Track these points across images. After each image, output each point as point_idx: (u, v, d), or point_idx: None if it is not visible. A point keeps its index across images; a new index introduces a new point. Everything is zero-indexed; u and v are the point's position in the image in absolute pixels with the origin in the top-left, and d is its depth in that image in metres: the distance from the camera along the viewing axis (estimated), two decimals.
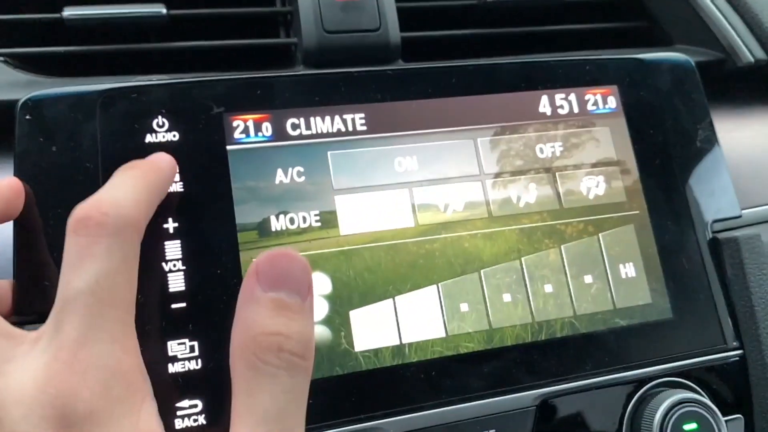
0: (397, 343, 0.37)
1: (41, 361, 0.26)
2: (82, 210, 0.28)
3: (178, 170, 0.36)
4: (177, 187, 0.36)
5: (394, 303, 0.37)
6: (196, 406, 0.33)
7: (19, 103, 0.36)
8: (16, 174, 0.35)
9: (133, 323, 0.28)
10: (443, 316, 0.38)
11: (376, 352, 0.36)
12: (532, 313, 0.39)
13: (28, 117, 0.36)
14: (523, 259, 0.40)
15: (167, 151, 0.36)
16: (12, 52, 0.43)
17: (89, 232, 0.27)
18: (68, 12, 0.42)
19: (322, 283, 0.37)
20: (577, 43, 0.52)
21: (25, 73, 0.41)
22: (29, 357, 0.27)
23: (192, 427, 0.33)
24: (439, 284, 0.38)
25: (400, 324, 0.37)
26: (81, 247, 0.27)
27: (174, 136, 0.37)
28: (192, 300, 0.35)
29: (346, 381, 0.36)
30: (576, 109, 0.43)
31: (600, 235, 0.41)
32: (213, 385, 0.33)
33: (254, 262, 0.28)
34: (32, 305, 0.33)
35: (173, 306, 0.34)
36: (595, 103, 0.43)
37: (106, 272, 0.27)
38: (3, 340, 0.27)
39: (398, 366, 0.36)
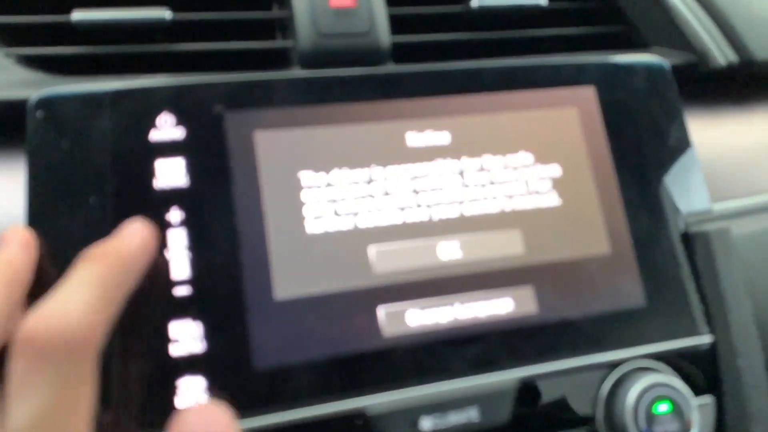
0: None
1: None
2: (28, 326, 0.25)
3: (149, 245, 0.33)
4: (182, 180, 0.38)
5: None
6: (199, 385, 0.35)
7: (31, 101, 0.38)
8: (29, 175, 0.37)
9: None
10: None
11: None
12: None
13: (39, 114, 0.38)
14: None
15: (171, 149, 0.38)
16: (22, 51, 0.45)
17: (33, 357, 0.25)
18: (77, 15, 0.45)
19: None
20: (559, 47, 0.55)
21: (34, 72, 0.43)
22: None
23: None
24: None
25: None
26: (24, 374, 0.24)
27: (178, 133, 0.39)
28: (197, 285, 0.37)
29: (330, 362, 0.38)
30: None
31: None
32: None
33: (180, 414, 0.26)
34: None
35: (176, 292, 0.37)
36: None
37: (49, 408, 0.24)
38: None
39: (383, 347, 0.39)
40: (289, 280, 0.38)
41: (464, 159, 0.43)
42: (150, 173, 0.38)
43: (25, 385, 0.24)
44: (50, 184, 0.37)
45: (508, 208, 0.43)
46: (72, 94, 0.39)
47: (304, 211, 0.40)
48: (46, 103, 0.38)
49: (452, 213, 0.42)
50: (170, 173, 0.38)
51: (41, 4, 0.46)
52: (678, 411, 0.41)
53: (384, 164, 0.42)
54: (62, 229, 0.36)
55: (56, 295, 0.27)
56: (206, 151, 0.39)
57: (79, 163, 0.38)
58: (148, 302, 0.36)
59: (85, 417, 0.25)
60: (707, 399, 0.44)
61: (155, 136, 0.39)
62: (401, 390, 0.38)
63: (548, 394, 0.41)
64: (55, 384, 0.25)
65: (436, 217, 0.41)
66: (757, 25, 0.55)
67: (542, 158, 0.44)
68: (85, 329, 0.26)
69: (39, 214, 0.36)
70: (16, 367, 0.25)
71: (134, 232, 0.32)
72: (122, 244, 0.31)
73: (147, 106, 0.39)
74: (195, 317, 0.37)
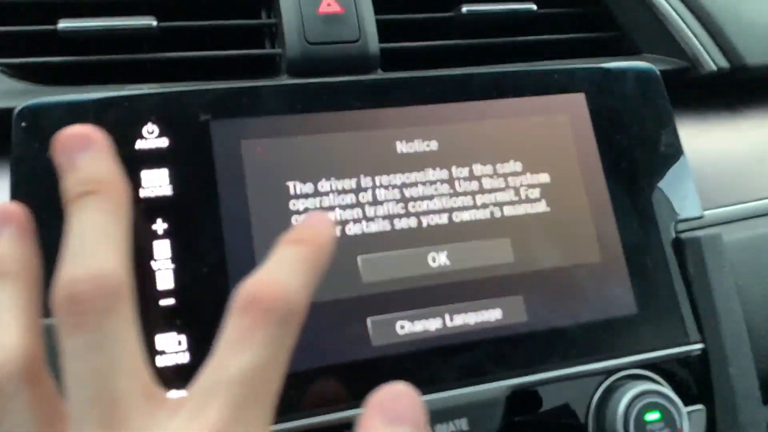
0: None
1: None
2: (251, 288, 0.27)
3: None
4: (167, 190, 0.38)
5: None
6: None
7: (16, 111, 0.38)
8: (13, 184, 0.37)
9: (271, 422, 0.27)
10: None
11: None
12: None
13: (24, 124, 0.38)
14: None
15: (156, 158, 0.38)
16: (8, 62, 0.44)
17: (255, 316, 0.26)
18: (63, 24, 0.44)
19: None
20: (550, 53, 0.54)
21: (20, 81, 0.43)
22: (168, 426, 0.25)
23: None
24: None
25: None
26: (243, 330, 0.26)
27: (164, 142, 0.39)
28: (180, 296, 0.37)
29: (319, 372, 0.37)
30: None
31: None
32: None
33: (376, 395, 0.27)
34: None
35: (162, 303, 0.36)
36: None
37: (263, 364, 0.26)
38: (145, 400, 0.26)
39: (372, 357, 0.38)
40: None
41: (453, 168, 0.43)
42: (135, 183, 0.38)
43: (243, 340, 0.26)
44: (34, 195, 0.37)
45: (497, 216, 0.43)
46: (56, 103, 0.38)
47: (293, 221, 0.39)
48: (30, 114, 0.38)
49: (441, 222, 0.41)
50: (156, 183, 0.38)
51: (27, 13, 0.46)
52: (668, 420, 0.41)
53: (372, 173, 0.41)
54: (45, 241, 0.36)
55: (268, 267, 0.28)
56: (192, 161, 0.39)
57: None
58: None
59: (281, 380, 0.27)
60: (698, 407, 0.44)
61: (141, 145, 0.39)
62: None
63: (538, 403, 0.41)
64: (271, 344, 0.26)
65: (425, 226, 0.41)
66: (748, 30, 0.55)
67: (532, 166, 0.44)
68: (301, 300, 0.27)
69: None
70: (238, 321, 0.26)
71: (325, 222, 0.31)
72: (319, 232, 0.31)
73: (132, 116, 0.39)
74: (180, 329, 0.36)
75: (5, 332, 0.27)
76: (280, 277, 0.27)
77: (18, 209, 0.30)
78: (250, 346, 0.26)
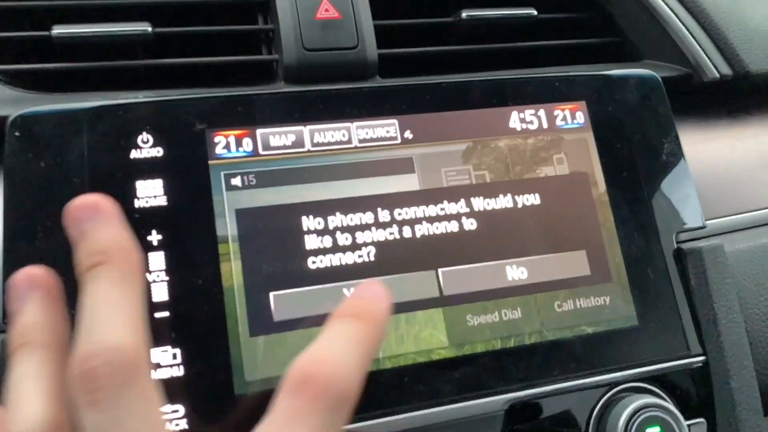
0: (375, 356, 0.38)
1: None
2: (305, 367, 0.27)
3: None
4: (161, 200, 0.38)
5: None
6: (177, 411, 0.35)
7: (9, 120, 0.37)
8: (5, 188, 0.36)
9: None
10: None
11: None
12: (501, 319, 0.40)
13: (17, 134, 0.37)
14: None
15: (151, 168, 0.38)
16: (3, 68, 0.44)
17: (307, 398, 0.26)
18: (57, 30, 0.44)
19: None
20: (551, 59, 0.54)
21: (14, 89, 0.43)
22: None
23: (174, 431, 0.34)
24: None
25: None
26: (294, 412, 0.26)
27: (158, 151, 0.38)
28: (175, 309, 0.36)
29: None
30: (545, 125, 0.45)
31: None
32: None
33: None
34: None
35: (156, 315, 0.36)
36: (564, 119, 0.45)
37: None
38: None
39: (372, 372, 0.38)
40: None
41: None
42: (130, 194, 0.37)
43: (294, 421, 0.26)
44: (27, 204, 0.36)
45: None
46: (49, 113, 0.38)
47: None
48: (23, 123, 0.38)
49: (444, 242, 0.41)
50: (150, 194, 0.38)
51: (21, 19, 0.45)
52: None
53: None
54: (39, 251, 0.36)
55: (323, 344, 0.28)
56: (188, 170, 0.38)
57: (56, 182, 0.37)
58: None
59: None
60: (699, 421, 0.43)
61: (135, 155, 0.38)
62: (387, 418, 0.37)
63: (538, 417, 0.40)
64: (324, 428, 0.26)
65: (416, 245, 0.41)
66: (751, 37, 0.55)
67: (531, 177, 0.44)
68: (354, 384, 0.27)
69: (15, 236, 0.36)
70: (290, 402, 0.26)
71: (380, 294, 0.31)
72: (375, 306, 0.30)
73: (126, 125, 0.38)
74: (175, 342, 0.36)
75: (28, 402, 0.27)
76: (334, 358, 0.27)
77: (45, 273, 0.31)
78: (303, 429, 0.25)
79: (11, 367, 0.29)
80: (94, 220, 0.29)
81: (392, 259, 0.40)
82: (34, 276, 0.31)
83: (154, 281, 0.36)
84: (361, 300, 0.31)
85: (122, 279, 0.28)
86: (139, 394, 0.26)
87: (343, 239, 0.39)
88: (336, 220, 0.40)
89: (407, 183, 0.42)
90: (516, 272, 0.41)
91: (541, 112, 0.45)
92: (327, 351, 0.28)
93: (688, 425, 0.42)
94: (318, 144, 0.41)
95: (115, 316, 0.27)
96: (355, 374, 0.27)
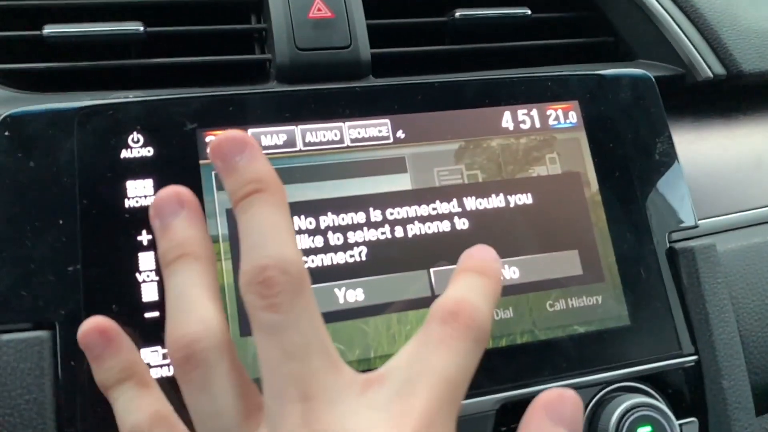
0: (366, 356, 0.38)
1: (381, 415, 0.27)
2: (451, 303, 0.29)
3: None
4: (152, 200, 0.37)
5: None
6: None
7: None
8: None
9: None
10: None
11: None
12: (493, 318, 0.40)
13: (6, 134, 0.37)
14: None
15: (142, 167, 0.38)
16: None
17: (457, 327, 0.28)
18: (48, 29, 0.44)
19: None
20: (544, 58, 0.54)
21: (4, 89, 0.42)
22: (362, 402, 0.27)
23: None
24: None
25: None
26: (446, 337, 0.28)
27: (149, 151, 0.38)
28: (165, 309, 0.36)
29: None
30: (538, 124, 0.45)
31: None
32: None
33: (543, 395, 0.29)
34: (7, 313, 0.35)
35: (147, 315, 0.36)
36: (557, 118, 0.45)
37: (463, 369, 0.28)
38: (337, 376, 0.28)
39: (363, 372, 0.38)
40: None
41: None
42: (121, 194, 0.37)
43: (446, 345, 0.28)
44: (17, 205, 0.36)
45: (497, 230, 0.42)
46: (40, 112, 0.38)
47: None
48: (13, 122, 0.37)
49: (436, 242, 0.41)
50: (141, 194, 0.38)
51: (12, 19, 0.45)
52: None
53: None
54: (29, 251, 0.36)
55: (462, 289, 0.30)
56: (178, 170, 0.38)
57: (46, 183, 0.37)
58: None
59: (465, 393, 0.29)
60: (691, 420, 0.43)
61: (126, 154, 0.38)
62: None
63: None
64: (468, 355, 0.28)
65: (408, 245, 0.41)
66: (744, 37, 0.54)
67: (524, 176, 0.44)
68: (489, 326, 0.29)
69: (5, 236, 0.36)
70: (442, 329, 0.28)
71: (496, 257, 0.33)
72: (496, 265, 0.32)
73: (117, 125, 0.38)
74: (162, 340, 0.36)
75: (202, 306, 0.29)
76: (475, 302, 0.29)
77: (189, 193, 0.32)
78: (451, 351, 0.28)
79: (169, 278, 0.31)
80: (243, 152, 0.31)
81: (384, 258, 0.40)
82: (181, 193, 0.32)
83: (144, 281, 0.36)
84: (482, 259, 0.32)
85: (279, 204, 0.30)
86: (309, 302, 0.28)
87: (335, 239, 0.39)
88: (327, 219, 0.40)
89: (399, 183, 0.42)
90: (508, 272, 0.41)
91: (534, 112, 0.45)
92: (467, 294, 0.29)
93: (680, 424, 0.42)
94: (310, 144, 0.41)
95: (282, 234, 0.29)
96: (489, 318, 0.29)
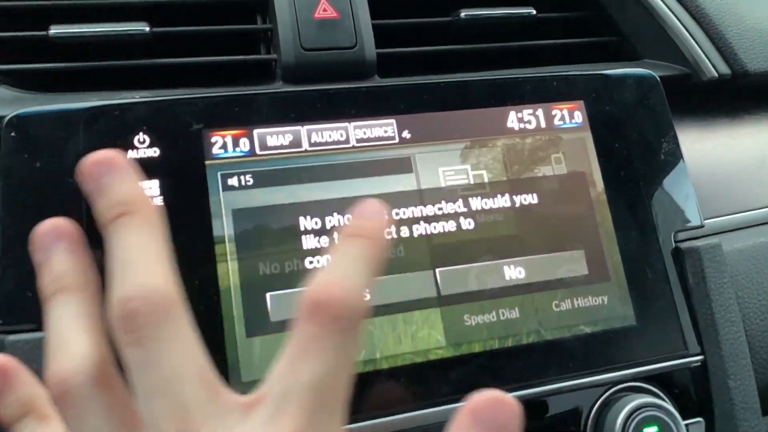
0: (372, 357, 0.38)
1: None
2: (316, 292, 0.27)
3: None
4: (157, 201, 0.37)
5: None
6: None
7: (5, 120, 0.37)
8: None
9: (343, 426, 0.27)
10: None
11: None
12: (499, 319, 0.40)
13: (13, 134, 0.37)
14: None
15: (147, 168, 0.37)
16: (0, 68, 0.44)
17: (322, 322, 0.26)
18: (54, 30, 0.44)
19: None
20: (549, 58, 0.54)
21: (10, 89, 0.42)
22: (245, 427, 0.26)
23: None
24: None
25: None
26: (311, 338, 0.26)
27: (155, 152, 0.38)
28: None
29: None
30: (543, 124, 0.45)
31: None
32: None
33: (473, 400, 0.27)
34: (12, 314, 0.35)
35: None
36: (562, 118, 0.45)
37: (333, 372, 0.26)
38: (213, 403, 0.26)
39: (369, 372, 0.38)
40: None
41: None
42: None
43: (311, 347, 0.26)
44: (23, 205, 0.36)
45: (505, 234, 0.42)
46: (46, 113, 0.38)
47: None
48: (19, 123, 0.38)
49: (442, 242, 0.41)
50: (148, 194, 0.37)
51: (18, 19, 0.45)
52: None
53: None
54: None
55: (329, 268, 0.28)
56: (184, 171, 0.38)
57: (53, 183, 0.37)
58: None
59: (348, 383, 0.27)
60: (697, 420, 0.43)
61: (131, 155, 0.38)
62: (384, 418, 0.37)
63: (536, 417, 0.40)
64: (339, 350, 0.26)
65: (414, 245, 0.41)
66: (749, 36, 0.54)
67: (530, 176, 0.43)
68: (362, 301, 0.28)
69: (12, 237, 0.36)
70: (305, 329, 0.27)
71: (380, 210, 0.31)
72: (376, 222, 0.31)
73: (123, 125, 0.38)
74: None
75: (75, 340, 0.28)
76: (343, 280, 0.28)
77: (68, 224, 0.31)
78: (319, 353, 0.26)
79: (48, 313, 0.30)
80: (111, 174, 0.30)
81: (390, 259, 0.40)
82: (59, 226, 0.31)
83: None
84: (360, 219, 0.31)
85: (148, 227, 0.29)
86: (178, 329, 0.27)
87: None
88: (333, 220, 0.40)
89: (405, 183, 0.42)
90: (514, 272, 0.41)
91: (539, 112, 0.45)
92: (333, 273, 0.28)
93: (686, 425, 0.42)
94: (315, 144, 0.41)
95: (148, 261, 0.28)
96: (362, 290, 0.28)
